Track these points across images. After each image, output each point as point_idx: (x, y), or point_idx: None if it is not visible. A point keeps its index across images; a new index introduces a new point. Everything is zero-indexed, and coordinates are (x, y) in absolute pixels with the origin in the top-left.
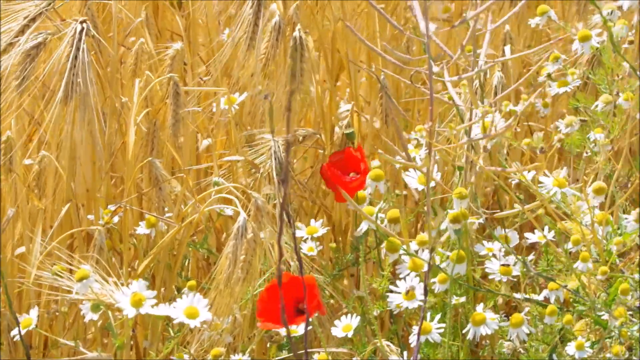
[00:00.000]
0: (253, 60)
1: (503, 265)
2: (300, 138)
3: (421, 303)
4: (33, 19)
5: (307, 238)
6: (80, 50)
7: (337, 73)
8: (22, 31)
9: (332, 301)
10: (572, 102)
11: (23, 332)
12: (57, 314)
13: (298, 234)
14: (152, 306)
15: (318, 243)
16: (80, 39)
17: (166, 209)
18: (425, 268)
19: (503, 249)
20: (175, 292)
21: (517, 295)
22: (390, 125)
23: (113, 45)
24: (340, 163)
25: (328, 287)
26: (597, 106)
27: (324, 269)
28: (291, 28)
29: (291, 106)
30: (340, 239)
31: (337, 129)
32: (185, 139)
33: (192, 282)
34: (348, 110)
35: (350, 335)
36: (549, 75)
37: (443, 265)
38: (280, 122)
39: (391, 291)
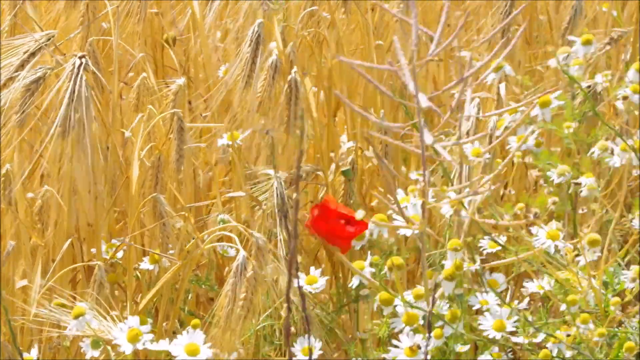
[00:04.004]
0: (250, 97)
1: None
2: (303, 174)
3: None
4: (33, 54)
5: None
6: (79, 84)
7: (335, 109)
8: (22, 66)
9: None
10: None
11: None
12: (58, 347)
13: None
14: (152, 341)
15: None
16: (78, 74)
17: (169, 245)
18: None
19: (498, 301)
20: (178, 326)
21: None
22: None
23: (114, 80)
24: (323, 215)
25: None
26: (592, 153)
27: (325, 304)
28: (289, 66)
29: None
30: (341, 274)
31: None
32: (187, 174)
33: (197, 321)
34: (350, 148)
35: None
36: (506, 128)
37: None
38: (280, 159)
39: (392, 344)
